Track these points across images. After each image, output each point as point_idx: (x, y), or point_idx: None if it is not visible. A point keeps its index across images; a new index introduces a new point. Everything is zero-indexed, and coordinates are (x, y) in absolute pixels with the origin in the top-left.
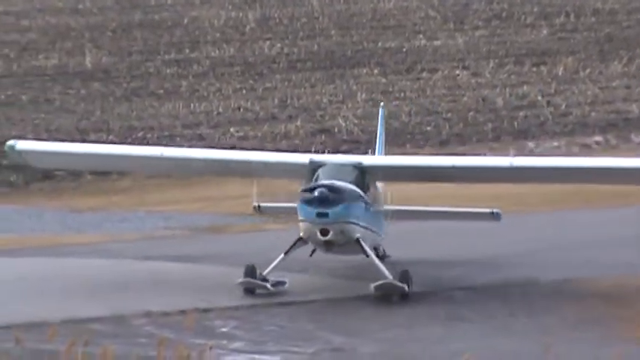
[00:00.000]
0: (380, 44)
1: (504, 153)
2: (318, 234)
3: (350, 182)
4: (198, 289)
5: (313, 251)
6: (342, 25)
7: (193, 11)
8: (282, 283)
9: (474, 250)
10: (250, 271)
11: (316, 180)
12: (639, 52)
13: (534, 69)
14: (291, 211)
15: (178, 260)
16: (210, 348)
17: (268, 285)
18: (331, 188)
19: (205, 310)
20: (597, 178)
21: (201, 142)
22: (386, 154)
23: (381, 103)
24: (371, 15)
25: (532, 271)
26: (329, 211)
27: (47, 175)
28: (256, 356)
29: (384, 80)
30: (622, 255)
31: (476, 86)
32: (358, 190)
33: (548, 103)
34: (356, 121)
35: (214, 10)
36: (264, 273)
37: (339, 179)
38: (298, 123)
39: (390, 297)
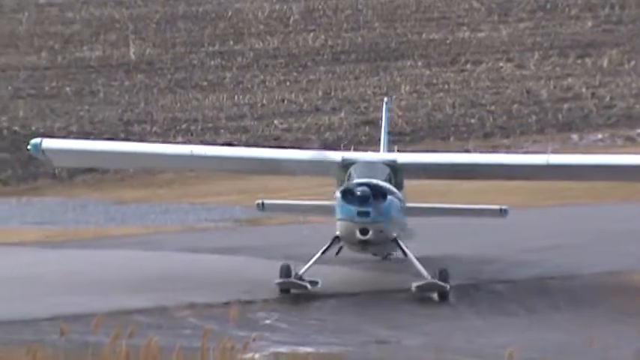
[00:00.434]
0: (424, 36)
1: (546, 146)
2: (358, 233)
3: (383, 180)
4: (241, 281)
5: (339, 250)
6: (386, 17)
7: (237, 3)
8: (315, 283)
9: (513, 243)
10: (286, 271)
11: (349, 178)
12: None
13: (579, 61)
14: (295, 209)
15: (221, 252)
16: (254, 340)
17: (308, 285)
18: (373, 187)
19: (248, 302)
20: (637, 176)
21: (245, 134)
22: (389, 150)
23: (385, 99)
24: (415, 7)
25: (574, 264)
26: (370, 210)
27: (91, 167)
28: (300, 348)
29: (427, 72)
30: None
31: (520, 78)
32: (394, 188)
33: (593, 95)
34: (400, 113)
35: (258, 2)
36: (300, 273)
37: (373, 177)
38: (342, 115)
39: (429, 296)
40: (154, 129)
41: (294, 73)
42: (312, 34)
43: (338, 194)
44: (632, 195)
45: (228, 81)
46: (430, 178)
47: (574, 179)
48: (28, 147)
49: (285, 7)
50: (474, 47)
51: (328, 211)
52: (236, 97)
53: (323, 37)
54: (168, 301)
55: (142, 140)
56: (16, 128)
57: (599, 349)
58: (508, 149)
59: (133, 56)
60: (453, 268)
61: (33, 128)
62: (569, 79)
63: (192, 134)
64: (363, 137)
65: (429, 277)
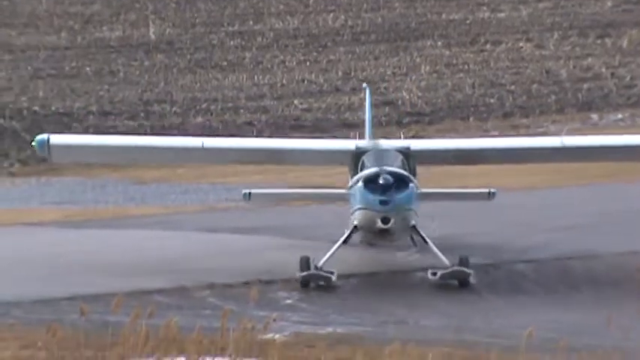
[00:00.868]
0: (444, 16)
1: (565, 126)
2: (379, 222)
3: (398, 167)
4: (261, 260)
5: (347, 238)
6: None
7: None
8: (332, 273)
9: (534, 224)
10: (305, 263)
11: (363, 166)
12: None
13: (598, 41)
14: (282, 198)
15: (240, 232)
16: (274, 320)
17: (333, 277)
18: (394, 175)
19: (268, 282)
20: None
21: (265, 114)
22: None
23: (364, 84)
24: None
25: (594, 243)
26: (392, 198)
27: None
28: (320, 328)
29: (447, 52)
30: None
31: (539, 58)
32: (411, 176)
33: (612, 75)
34: (420, 94)
35: None
36: (319, 265)
37: (387, 165)
38: (362, 95)
39: (449, 283)
40: (174, 109)
41: (314, 54)
42: (332, 14)
43: (360, 183)
44: None
45: (248, 61)
46: (443, 164)
47: (590, 161)
48: (32, 144)
49: None
50: (494, 27)
51: (317, 198)
52: (256, 77)
53: (343, 17)
54: (187, 282)
55: (161, 120)
56: (36, 108)
57: (618, 329)
58: (528, 129)
59: (152, 36)
60: (472, 249)
61: (53, 108)
62: (589, 59)
63: (211, 114)
64: (383, 118)
65: (449, 264)
